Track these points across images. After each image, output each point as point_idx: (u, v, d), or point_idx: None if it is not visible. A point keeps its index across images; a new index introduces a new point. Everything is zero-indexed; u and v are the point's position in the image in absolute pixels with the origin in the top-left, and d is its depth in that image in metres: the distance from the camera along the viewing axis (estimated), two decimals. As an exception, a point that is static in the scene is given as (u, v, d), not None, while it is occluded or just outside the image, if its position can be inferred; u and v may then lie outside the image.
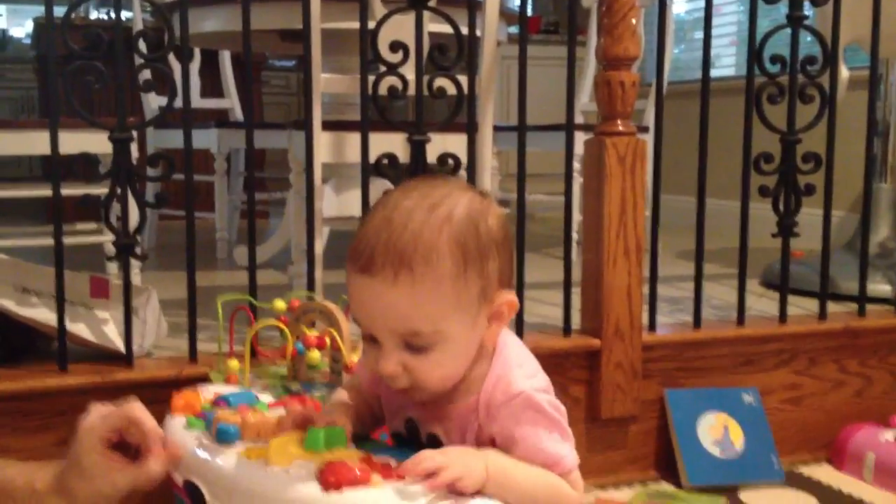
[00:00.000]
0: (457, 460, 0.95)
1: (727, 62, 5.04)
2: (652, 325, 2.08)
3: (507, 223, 1.06)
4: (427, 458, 0.95)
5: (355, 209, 1.95)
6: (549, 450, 1.04)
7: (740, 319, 2.16)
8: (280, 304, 1.59)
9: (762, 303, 2.44)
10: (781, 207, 2.14)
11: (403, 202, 1.01)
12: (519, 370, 1.07)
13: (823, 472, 2.08)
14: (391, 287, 0.96)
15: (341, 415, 1.09)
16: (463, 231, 0.99)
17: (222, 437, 1.01)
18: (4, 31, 6.59)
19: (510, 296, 1.04)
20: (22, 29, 6.59)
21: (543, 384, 1.08)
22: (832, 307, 2.28)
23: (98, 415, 1.07)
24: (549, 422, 1.05)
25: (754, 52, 2.09)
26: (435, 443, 1.08)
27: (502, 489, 0.98)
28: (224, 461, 1.00)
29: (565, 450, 1.06)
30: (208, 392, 1.22)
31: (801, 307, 2.33)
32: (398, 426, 1.13)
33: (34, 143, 2.16)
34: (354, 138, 1.96)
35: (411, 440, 1.11)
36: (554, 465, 1.04)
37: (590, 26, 3.60)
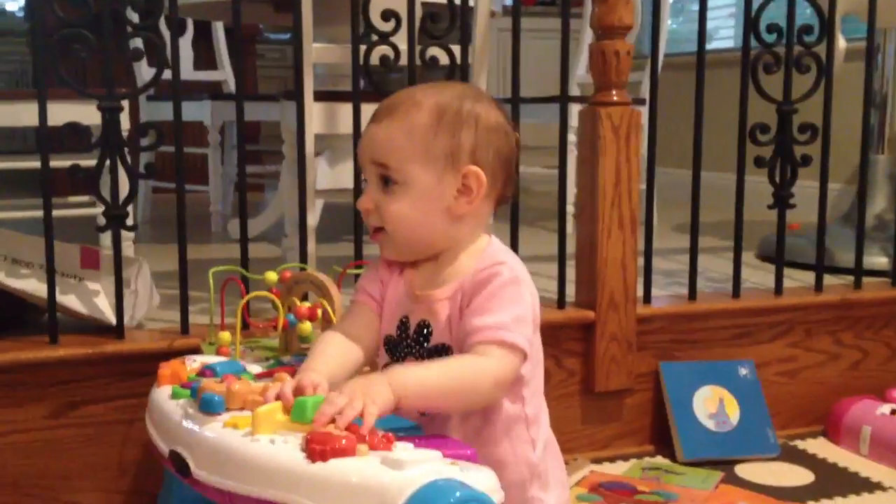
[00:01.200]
0: (357, 393, 0.99)
1: (726, 34, 5.00)
2: (647, 298, 2.08)
3: (504, 126, 1.19)
4: (329, 402, 0.97)
5: (349, 181, 1.93)
6: (497, 312, 1.11)
7: (736, 292, 2.16)
8: (271, 276, 1.58)
9: (758, 275, 2.43)
10: (777, 178, 2.13)
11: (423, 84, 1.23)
12: (508, 258, 1.17)
13: (819, 446, 2.08)
14: (377, 125, 1.16)
15: (321, 378, 1.09)
16: (448, 101, 1.15)
17: (207, 407, 1.01)
18: (-2, 5, 6.55)
19: (477, 169, 1.14)
20: (15, 3, 6.55)
21: (528, 279, 1.17)
22: (828, 280, 2.27)
23: None
24: (517, 297, 1.13)
25: (750, 21, 2.07)
26: (424, 331, 1.17)
27: (420, 395, 1.05)
28: (209, 431, 0.99)
29: (514, 326, 1.10)
30: (195, 362, 1.21)
31: (798, 279, 2.33)
32: (391, 329, 1.21)
33: (24, 114, 2.13)
34: (347, 109, 1.94)
35: (400, 340, 1.20)
36: (495, 330, 1.10)
37: (586, -1, 3.57)
